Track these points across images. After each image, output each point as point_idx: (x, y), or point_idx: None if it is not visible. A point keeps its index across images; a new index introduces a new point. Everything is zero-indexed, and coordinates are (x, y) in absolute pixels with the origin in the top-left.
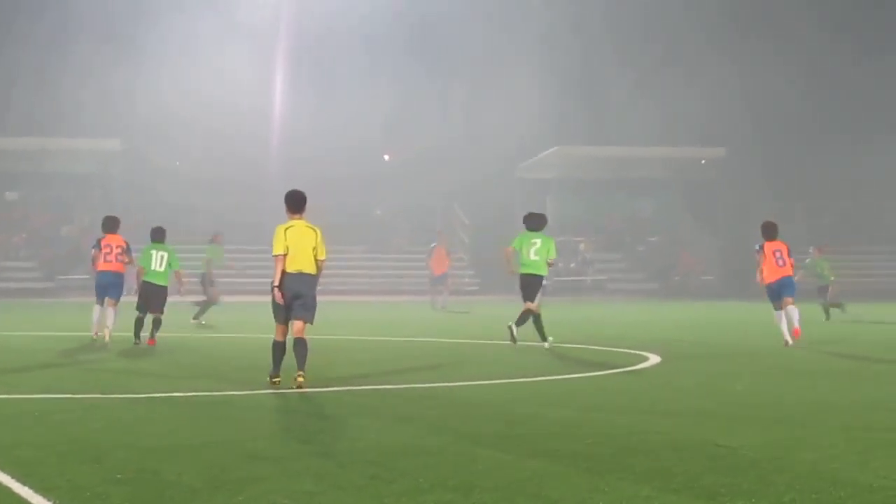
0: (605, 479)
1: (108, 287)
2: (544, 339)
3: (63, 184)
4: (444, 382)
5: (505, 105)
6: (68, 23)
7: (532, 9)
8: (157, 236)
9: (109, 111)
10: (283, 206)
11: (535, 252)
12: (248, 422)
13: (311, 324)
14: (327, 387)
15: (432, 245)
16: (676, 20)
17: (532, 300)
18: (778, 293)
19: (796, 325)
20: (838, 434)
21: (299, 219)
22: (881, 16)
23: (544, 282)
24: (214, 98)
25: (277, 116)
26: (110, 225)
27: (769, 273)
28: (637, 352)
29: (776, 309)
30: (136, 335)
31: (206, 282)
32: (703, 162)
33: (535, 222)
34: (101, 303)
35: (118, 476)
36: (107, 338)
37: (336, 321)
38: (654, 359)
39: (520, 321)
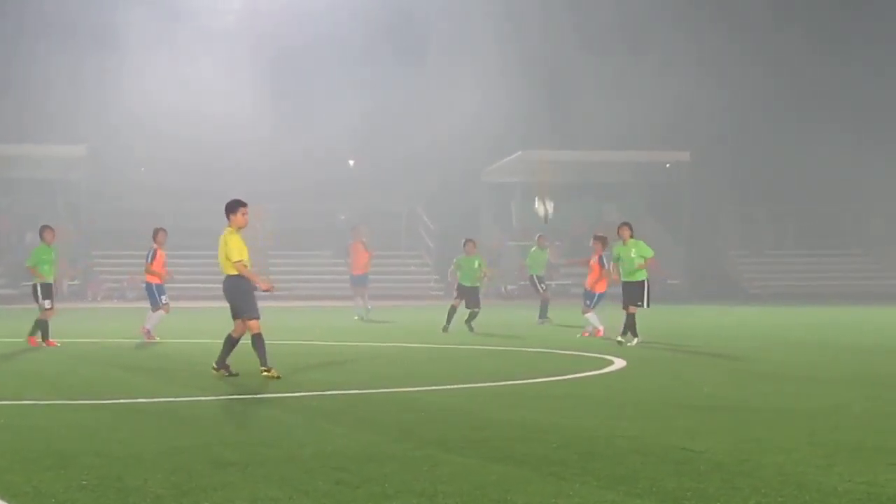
0: (569, 483)
1: None
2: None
3: (27, 190)
4: (408, 387)
5: (469, 110)
6: (32, 27)
7: (496, 13)
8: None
9: (75, 118)
10: (249, 212)
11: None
12: (213, 428)
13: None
14: (293, 392)
15: (348, 242)
16: (641, 23)
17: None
18: None
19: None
20: (803, 438)
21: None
22: (847, 18)
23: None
24: (180, 105)
25: (242, 123)
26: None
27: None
28: (602, 356)
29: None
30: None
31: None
32: (667, 166)
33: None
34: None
35: (83, 482)
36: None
37: (301, 326)
38: (619, 363)
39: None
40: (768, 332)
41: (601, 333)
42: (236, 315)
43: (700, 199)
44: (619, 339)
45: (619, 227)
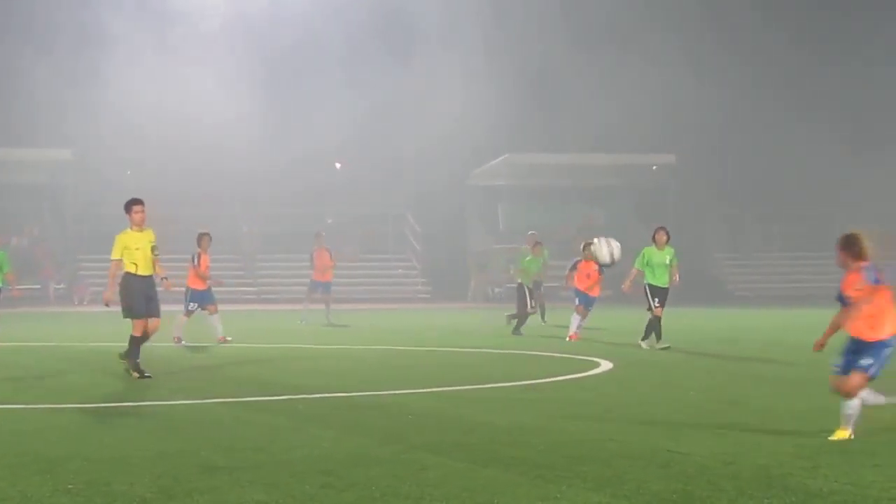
0: (556, 486)
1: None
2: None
3: (13, 194)
4: (395, 390)
5: (456, 113)
6: (17, 29)
7: (483, 16)
8: None
9: (60, 121)
10: (233, 216)
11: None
12: (199, 431)
13: None
14: (279, 395)
15: (312, 249)
16: (627, 26)
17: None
18: None
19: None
20: (788, 440)
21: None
22: (835, 20)
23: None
24: (166, 109)
25: (229, 127)
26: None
27: None
28: (589, 358)
29: None
30: None
31: None
32: (654, 168)
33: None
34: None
35: (70, 487)
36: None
37: (287, 330)
38: (606, 365)
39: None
40: (753, 334)
41: (576, 338)
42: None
43: (686, 201)
44: (654, 344)
45: (656, 232)
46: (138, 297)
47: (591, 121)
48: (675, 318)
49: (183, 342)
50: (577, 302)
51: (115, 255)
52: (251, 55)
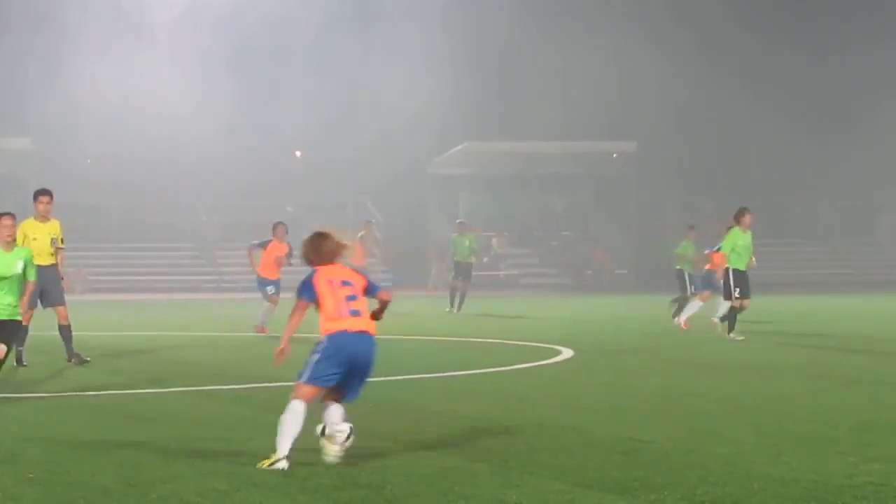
0: (517, 474)
1: None
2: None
3: None
4: None
5: (415, 101)
6: None
7: (443, 4)
8: None
9: (20, 110)
10: (192, 205)
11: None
12: (160, 421)
13: None
14: (239, 384)
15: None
16: (587, 13)
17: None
18: None
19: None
20: (750, 428)
21: None
22: (800, 8)
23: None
24: (126, 98)
25: (188, 117)
26: None
27: None
28: (550, 346)
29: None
30: None
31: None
32: (614, 156)
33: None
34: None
35: (30, 476)
36: None
37: (247, 318)
38: (567, 353)
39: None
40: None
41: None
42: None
43: (647, 189)
44: (732, 335)
45: (742, 213)
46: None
47: (552, 108)
48: (636, 306)
49: (267, 331)
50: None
51: None
52: (211, 44)
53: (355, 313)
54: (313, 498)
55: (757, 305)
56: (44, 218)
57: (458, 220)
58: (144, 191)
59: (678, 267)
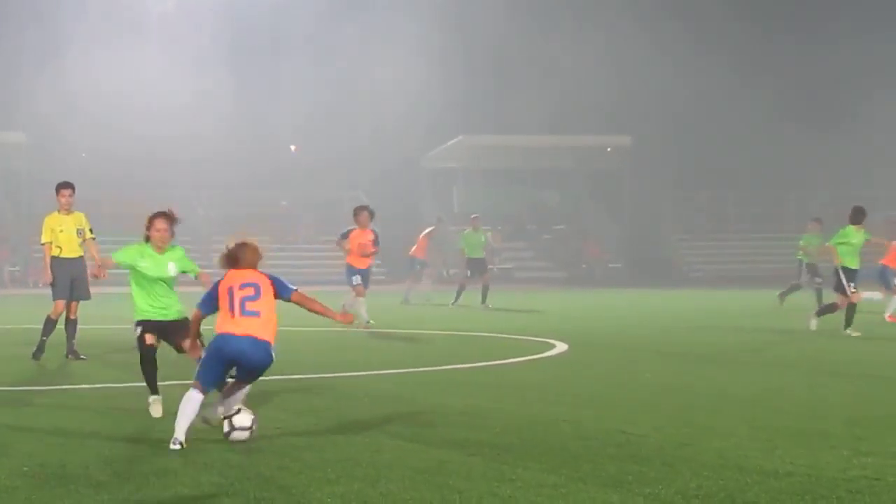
0: (511, 468)
1: None
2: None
3: None
4: (348, 372)
5: (410, 95)
6: None
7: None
8: None
9: (15, 104)
10: (190, 199)
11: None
12: (149, 414)
13: None
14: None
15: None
16: (582, 7)
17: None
18: None
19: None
20: (744, 422)
21: None
22: (794, 3)
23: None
24: (120, 92)
25: (183, 110)
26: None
27: None
28: (544, 339)
29: None
30: None
31: None
32: (608, 150)
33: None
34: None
35: (24, 469)
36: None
37: None
38: (561, 347)
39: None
40: (708, 316)
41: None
42: None
43: (641, 183)
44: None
45: (858, 210)
46: (61, 280)
47: (546, 102)
48: (629, 300)
49: (370, 321)
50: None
51: (43, 239)
52: (205, 38)
53: (250, 314)
54: (308, 491)
55: (750, 299)
56: (67, 210)
57: (472, 216)
58: (139, 184)
59: (798, 257)
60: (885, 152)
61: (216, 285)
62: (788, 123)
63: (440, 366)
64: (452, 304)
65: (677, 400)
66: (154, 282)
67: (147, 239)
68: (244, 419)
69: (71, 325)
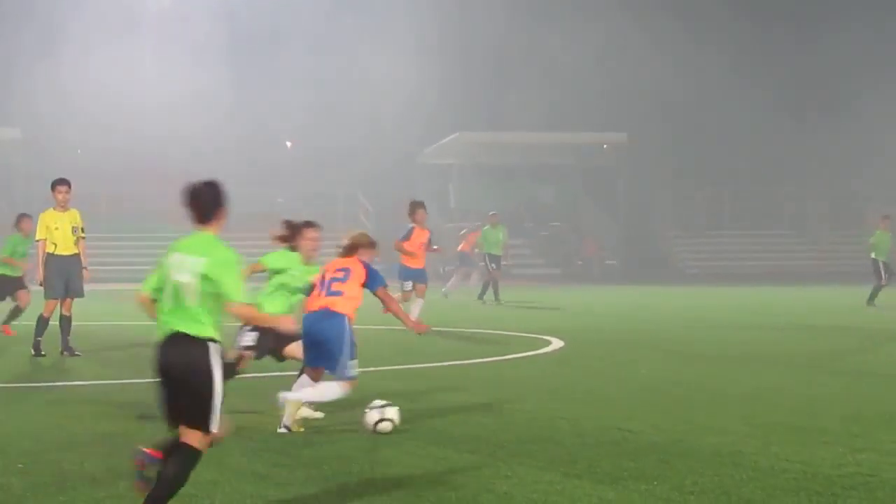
0: (508, 464)
1: None
2: None
3: None
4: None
5: (407, 91)
6: None
7: None
8: None
9: (9, 100)
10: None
11: None
12: (148, 410)
13: None
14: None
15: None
16: (578, 3)
17: None
18: None
19: None
20: (739, 418)
21: None
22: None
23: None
24: (115, 88)
25: (178, 107)
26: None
27: None
28: (540, 336)
29: None
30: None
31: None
32: (604, 147)
33: None
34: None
35: (20, 466)
36: None
37: None
38: (557, 343)
39: None
40: (704, 312)
41: None
42: None
43: (637, 180)
44: None
45: None
46: (55, 277)
47: (542, 99)
48: (625, 297)
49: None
50: None
51: (38, 236)
52: (200, 34)
53: (334, 294)
54: (304, 487)
55: (744, 297)
56: (63, 207)
57: (490, 213)
58: (134, 180)
59: (872, 256)
60: (884, 149)
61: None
62: (785, 120)
63: (435, 363)
64: (495, 300)
65: (673, 396)
66: (294, 292)
67: (292, 248)
68: (393, 412)
69: (65, 321)
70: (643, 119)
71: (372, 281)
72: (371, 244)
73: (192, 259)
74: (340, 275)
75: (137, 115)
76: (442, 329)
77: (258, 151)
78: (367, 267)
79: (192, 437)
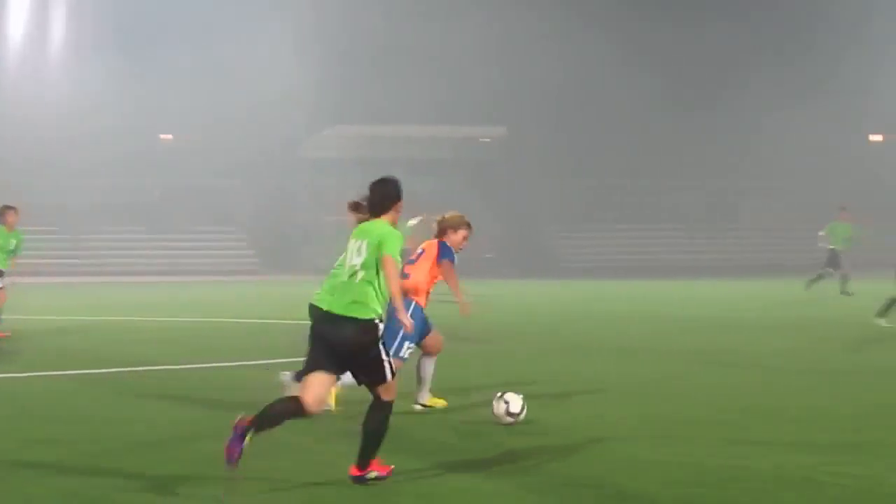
0: (393, 458)
1: None
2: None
3: None
4: (222, 363)
5: (285, 83)
6: None
7: None
8: None
9: None
10: (63, 187)
11: None
12: (27, 405)
13: None
14: (107, 368)
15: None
16: None
17: None
18: None
19: None
20: (635, 410)
21: None
22: None
23: None
24: None
25: (52, 97)
26: None
27: None
28: None
29: None
30: None
31: None
32: (484, 140)
33: None
34: None
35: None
36: None
37: (115, 303)
38: None
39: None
40: (584, 306)
41: None
42: None
43: (517, 174)
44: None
45: None
46: None
47: (422, 92)
48: (504, 291)
49: None
50: None
51: None
52: (78, 22)
53: (403, 276)
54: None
55: (628, 289)
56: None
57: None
58: (6, 170)
59: (831, 246)
60: (760, 144)
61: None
62: (665, 114)
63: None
64: None
65: (558, 389)
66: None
67: None
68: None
69: None
70: (525, 112)
71: (440, 255)
72: (455, 225)
73: (365, 243)
74: (413, 256)
75: (10, 104)
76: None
77: (135, 143)
78: (441, 244)
79: (383, 392)
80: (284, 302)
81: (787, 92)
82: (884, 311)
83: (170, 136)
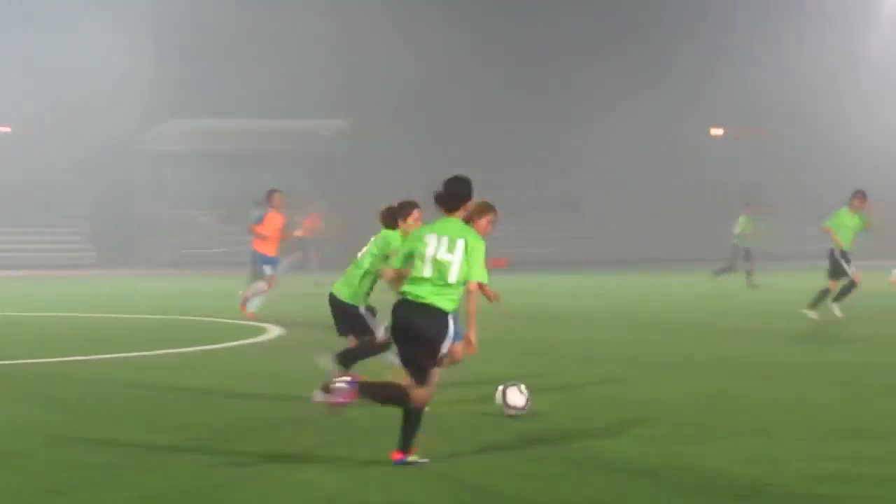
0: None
1: None
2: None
3: None
4: (65, 357)
5: (121, 75)
6: None
7: None
8: None
9: None
10: None
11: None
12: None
13: None
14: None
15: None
16: None
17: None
18: None
19: None
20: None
21: None
22: None
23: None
24: None
25: None
26: None
27: None
28: (257, 324)
29: None
30: None
31: None
32: (325, 134)
33: None
34: None
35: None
36: None
37: None
38: (275, 330)
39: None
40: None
41: None
42: None
43: (359, 167)
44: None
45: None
46: None
47: (261, 84)
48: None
49: (252, 315)
50: None
51: None
52: None
53: None
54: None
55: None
56: None
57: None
58: None
59: (735, 241)
60: (604, 137)
61: None
62: (509, 110)
63: (154, 350)
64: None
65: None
66: None
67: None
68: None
69: None
70: (367, 105)
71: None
72: (480, 212)
73: (451, 240)
74: None
75: None
76: (157, 317)
77: None
78: None
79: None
80: (119, 295)
81: (628, 84)
82: (815, 304)
83: (8, 129)
